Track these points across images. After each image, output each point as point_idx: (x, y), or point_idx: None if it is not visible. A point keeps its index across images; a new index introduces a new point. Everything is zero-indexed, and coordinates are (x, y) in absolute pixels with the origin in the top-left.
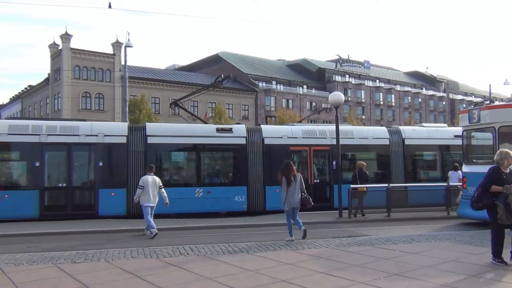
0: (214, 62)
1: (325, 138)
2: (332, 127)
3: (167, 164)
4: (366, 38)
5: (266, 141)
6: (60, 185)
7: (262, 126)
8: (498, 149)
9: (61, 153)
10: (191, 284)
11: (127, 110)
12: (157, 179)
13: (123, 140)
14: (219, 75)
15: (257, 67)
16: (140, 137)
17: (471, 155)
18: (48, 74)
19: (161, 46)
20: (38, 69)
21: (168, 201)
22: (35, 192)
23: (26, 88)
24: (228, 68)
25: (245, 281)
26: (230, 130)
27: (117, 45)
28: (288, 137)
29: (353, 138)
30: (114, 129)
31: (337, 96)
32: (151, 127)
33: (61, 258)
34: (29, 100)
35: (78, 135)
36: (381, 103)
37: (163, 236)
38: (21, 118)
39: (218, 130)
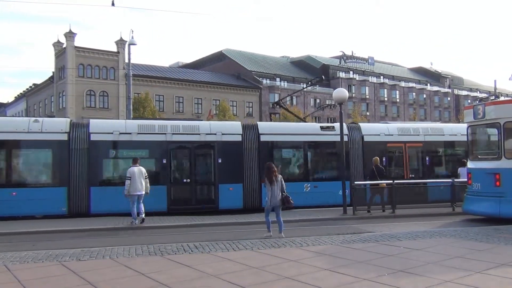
0: (218, 60)
1: (418, 135)
2: (424, 124)
3: (278, 160)
4: (370, 35)
5: (366, 138)
6: (184, 180)
7: (360, 124)
8: (503, 145)
9: (184, 150)
10: (195, 281)
11: (131, 108)
12: (143, 169)
13: (239, 138)
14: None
15: (261, 64)
16: (253, 135)
17: (476, 151)
18: (53, 72)
19: (165, 44)
20: (42, 67)
21: (149, 192)
22: (164, 187)
23: (31, 87)
24: (232, 65)
25: (249, 278)
26: (332, 128)
27: (120, 43)
28: (385, 135)
29: (443, 135)
30: (230, 128)
31: (341, 92)
32: (263, 126)
33: (66, 255)
34: (34, 99)
35: (199, 133)
36: (386, 99)
37: (169, 234)
38: (147, 118)
39: (322, 128)
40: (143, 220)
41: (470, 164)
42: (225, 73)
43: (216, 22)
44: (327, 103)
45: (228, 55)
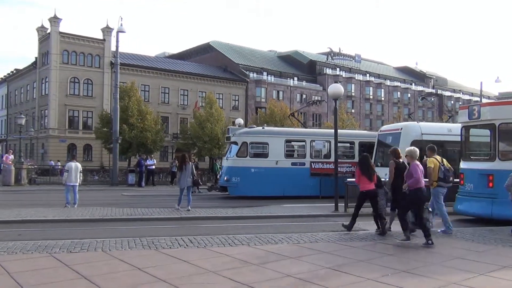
0: (205, 51)
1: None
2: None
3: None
4: (358, 32)
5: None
6: None
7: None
8: (497, 146)
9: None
10: (194, 277)
11: (118, 96)
12: (79, 164)
13: None
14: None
15: (248, 57)
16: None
17: (468, 151)
18: (36, 58)
19: (151, 33)
20: (24, 52)
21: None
22: None
23: (12, 72)
24: (218, 58)
25: (251, 275)
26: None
27: (107, 30)
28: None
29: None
30: None
31: (337, 88)
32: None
33: (56, 247)
34: (15, 84)
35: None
36: (371, 97)
37: (160, 226)
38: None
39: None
40: None
41: (462, 165)
42: (211, 65)
43: (203, 14)
44: (313, 99)
45: (215, 47)
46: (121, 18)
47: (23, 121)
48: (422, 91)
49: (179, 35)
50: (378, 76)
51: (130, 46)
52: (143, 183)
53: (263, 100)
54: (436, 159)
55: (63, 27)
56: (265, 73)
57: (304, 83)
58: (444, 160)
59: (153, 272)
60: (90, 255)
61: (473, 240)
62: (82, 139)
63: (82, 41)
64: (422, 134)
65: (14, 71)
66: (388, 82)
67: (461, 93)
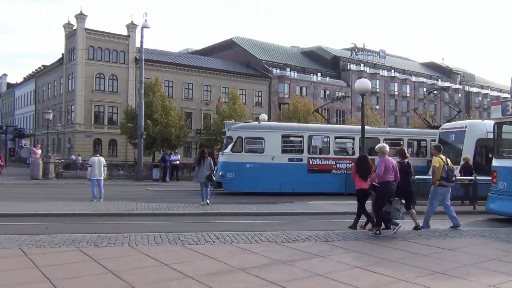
0: (228, 47)
1: None
2: None
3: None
4: (382, 27)
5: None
6: None
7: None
8: None
9: None
10: (222, 274)
11: (143, 92)
12: (102, 158)
13: None
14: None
15: (271, 53)
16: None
17: (501, 148)
18: (62, 54)
19: (174, 30)
20: (51, 49)
21: None
22: None
23: (40, 68)
24: (242, 54)
25: (279, 274)
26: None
27: (131, 26)
28: None
29: None
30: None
31: (364, 83)
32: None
33: (83, 241)
34: (43, 80)
35: None
36: (396, 93)
37: (185, 222)
38: None
39: None
40: None
41: (495, 162)
42: (235, 61)
43: (226, 10)
44: (337, 95)
45: (238, 43)
46: (146, 14)
47: (50, 116)
48: (448, 87)
49: (202, 31)
50: (404, 71)
51: (154, 42)
52: (167, 178)
53: (286, 96)
54: (441, 158)
55: (89, 24)
56: (288, 69)
57: (327, 79)
58: (448, 160)
59: (180, 268)
60: (117, 250)
61: (509, 241)
62: (108, 134)
63: (107, 37)
64: (487, 132)
65: (42, 67)
66: (413, 78)
67: (489, 89)
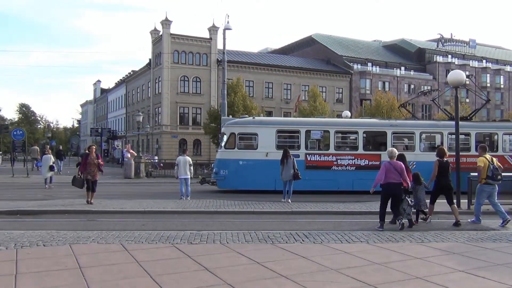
0: (307, 45)
1: None
2: None
3: None
4: (471, 15)
5: None
6: None
7: None
8: None
9: None
10: (315, 274)
11: (226, 92)
12: (188, 158)
13: None
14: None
15: (352, 48)
16: None
17: None
18: (149, 59)
19: (253, 30)
20: (139, 55)
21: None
22: None
23: (129, 73)
24: (321, 50)
25: (376, 276)
26: None
27: (213, 29)
28: None
29: None
30: None
31: (458, 74)
32: None
33: (177, 238)
34: (133, 84)
35: None
36: (488, 85)
37: (272, 220)
38: None
39: None
40: None
41: None
42: (314, 58)
43: (305, 7)
44: (422, 89)
45: (317, 39)
46: (228, 16)
47: (140, 118)
48: None
49: (281, 30)
50: (497, 61)
51: (234, 43)
52: None
53: (367, 91)
54: (486, 158)
55: (173, 29)
56: (369, 64)
57: (412, 72)
58: (494, 159)
59: (272, 267)
60: (210, 247)
61: None
62: (192, 135)
63: (191, 41)
64: None
65: (132, 73)
66: (508, 68)
67: None
